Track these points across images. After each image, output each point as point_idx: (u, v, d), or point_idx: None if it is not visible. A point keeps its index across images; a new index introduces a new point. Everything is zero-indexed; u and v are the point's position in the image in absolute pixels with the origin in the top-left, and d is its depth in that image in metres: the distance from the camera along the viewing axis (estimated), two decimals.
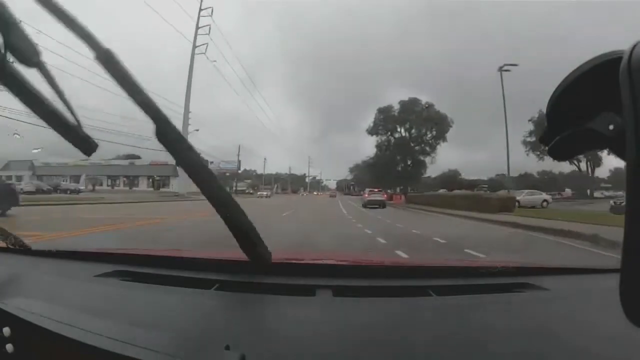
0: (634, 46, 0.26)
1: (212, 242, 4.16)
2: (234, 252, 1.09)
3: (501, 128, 22.82)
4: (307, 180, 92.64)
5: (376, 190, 23.18)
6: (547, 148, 0.36)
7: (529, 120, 40.43)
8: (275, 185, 73.40)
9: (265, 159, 69.65)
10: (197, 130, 27.94)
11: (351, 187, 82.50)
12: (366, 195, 22.27)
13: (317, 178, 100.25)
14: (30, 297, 0.71)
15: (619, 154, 0.29)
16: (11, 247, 1.18)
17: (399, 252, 4.84)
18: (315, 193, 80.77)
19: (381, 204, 20.78)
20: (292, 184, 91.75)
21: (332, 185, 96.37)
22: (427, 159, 37.46)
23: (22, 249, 1.18)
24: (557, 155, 0.36)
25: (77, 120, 0.52)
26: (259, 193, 54.67)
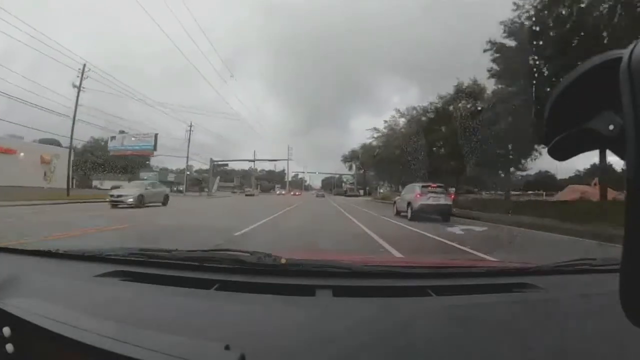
0: (634, 46, 0.26)
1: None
2: (234, 252, 1.09)
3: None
4: (286, 179, 68.85)
5: (432, 185, 11.25)
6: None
7: None
8: (218, 178, 46.21)
9: (190, 125, 33.22)
10: None
11: (343, 185, 62.56)
12: (418, 196, 10.80)
13: (300, 176, 78.32)
14: (30, 297, 0.71)
15: (619, 154, 0.29)
16: (11, 247, 1.18)
17: None
18: (280, 192, 55.54)
19: (444, 213, 10.67)
20: (268, 181, 69.94)
21: (315, 182, 78.89)
22: None
23: (22, 249, 1.18)
24: (557, 155, 0.36)
25: None
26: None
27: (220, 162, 38.76)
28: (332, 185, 72.05)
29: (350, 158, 49.76)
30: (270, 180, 74.78)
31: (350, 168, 54.41)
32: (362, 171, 50.14)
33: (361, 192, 50.40)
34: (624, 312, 0.26)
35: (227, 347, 0.48)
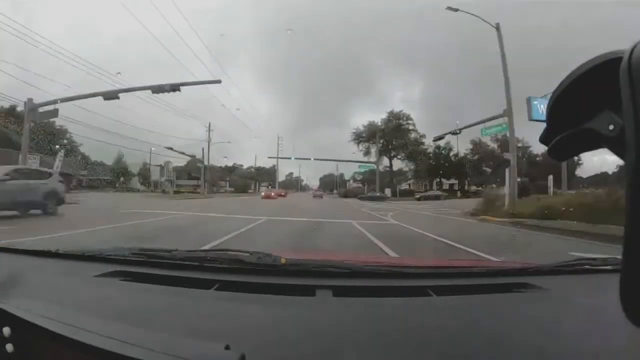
0: (634, 46, 0.26)
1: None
2: (234, 252, 1.09)
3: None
4: (278, 175, 53.59)
5: None
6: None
7: None
8: (61, 157, 17.04)
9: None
10: None
11: (348, 184, 45.54)
12: None
13: (296, 176, 67.47)
14: (30, 297, 0.71)
15: (619, 154, 0.29)
16: (11, 247, 1.18)
17: None
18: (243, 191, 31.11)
19: None
20: (252, 179, 54.34)
21: (313, 181, 66.06)
22: None
23: (22, 249, 1.18)
24: (557, 155, 0.36)
25: None
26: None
27: (46, 106, 14.15)
28: (334, 183, 55.27)
29: (368, 137, 28.69)
30: (254, 178, 55.01)
31: (366, 153, 31.37)
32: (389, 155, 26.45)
33: (387, 192, 30.22)
34: (624, 312, 0.26)
35: (227, 347, 0.48)
